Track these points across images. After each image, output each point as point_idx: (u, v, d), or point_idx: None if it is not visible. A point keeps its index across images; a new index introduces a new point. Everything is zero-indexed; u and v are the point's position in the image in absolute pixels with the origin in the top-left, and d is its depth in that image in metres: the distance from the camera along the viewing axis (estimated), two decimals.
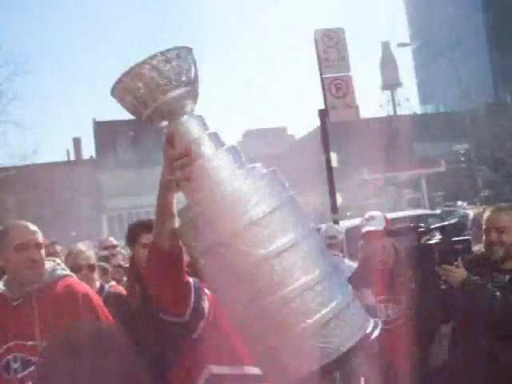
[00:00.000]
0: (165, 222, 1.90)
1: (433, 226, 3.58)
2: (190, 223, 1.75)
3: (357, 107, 7.30)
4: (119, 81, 1.81)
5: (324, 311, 1.66)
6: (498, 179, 43.80)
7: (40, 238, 3.01)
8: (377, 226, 4.23)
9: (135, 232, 3.80)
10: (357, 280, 4.07)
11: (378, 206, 28.25)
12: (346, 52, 7.35)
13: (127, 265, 4.75)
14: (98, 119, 48.42)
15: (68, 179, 38.10)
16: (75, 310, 2.91)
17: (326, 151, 7.13)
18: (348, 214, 21.59)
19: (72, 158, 44.35)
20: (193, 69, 1.89)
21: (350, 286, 1.84)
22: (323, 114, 7.19)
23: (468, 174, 42.43)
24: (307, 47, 7.76)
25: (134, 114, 1.89)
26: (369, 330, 1.73)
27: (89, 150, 48.97)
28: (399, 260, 4.12)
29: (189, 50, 1.88)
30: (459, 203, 36.39)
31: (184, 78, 1.85)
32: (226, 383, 2.26)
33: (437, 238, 3.38)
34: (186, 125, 1.85)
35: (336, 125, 8.26)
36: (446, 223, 3.65)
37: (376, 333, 1.74)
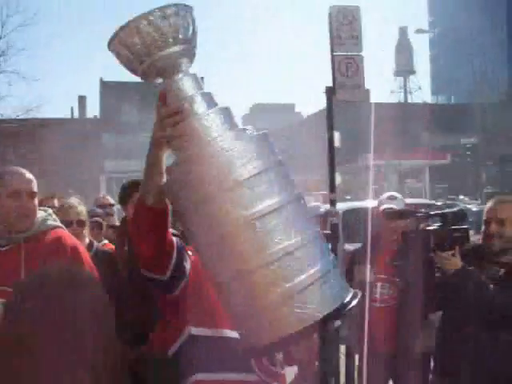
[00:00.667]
0: (153, 179, 1.91)
1: (433, 212, 3.55)
2: (177, 180, 1.78)
3: (365, 88, 7.10)
4: (116, 35, 1.81)
5: (302, 277, 1.68)
6: (503, 176, 43.64)
7: (34, 187, 2.97)
8: (398, 206, 4.28)
9: (128, 191, 3.85)
10: (359, 255, 4.22)
11: (379, 192, 28.15)
12: (359, 31, 7.17)
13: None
14: (105, 79, 48.10)
15: (70, 137, 38.02)
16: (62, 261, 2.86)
17: (330, 129, 6.95)
18: (348, 197, 21.45)
19: (76, 115, 44.09)
20: (191, 27, 1.87)
21: (331, 255, 1.85)
22: (330, 91, 7.00)
23: (473, 168, 42.32)
24: (321, 23, 7.50)
25: (130, 68, 1.89)
26: (347, 300, 1.75)
27: (93, 109, 48.55)
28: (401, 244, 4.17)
29: (188, 9, 1.86)
30: (461, 197, 36.30)
31: (181, 36, 1.84)
32: (204, 345, 2.23)
33: (436, 224, 3.34)
34: (179, 82, 1.86)
35: (344, 107, 8.09)
36: (447, 210, 3.57)
37: (354, 303, 1.75)
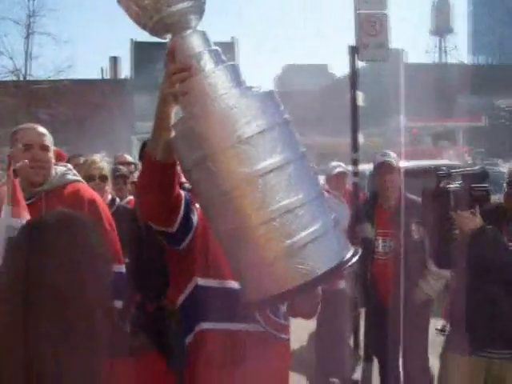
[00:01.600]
0: (161, 134, 1.95)
1: (454, 171, 3.54)
2: (183, 136, 1.80)
3: (389, 48, 7.00)
4: None
5: (303, 234, 1.72)
6: None
7: (47, 140, 3.06)
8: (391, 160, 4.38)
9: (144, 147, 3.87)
10: (361, 213, 4.36)
11: (412, 154, 27.82)
12: None
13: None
14: (137, 39, 47.98)
15: (102, 98, 38.20)
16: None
17: (353, 88, 6.91)
18: None
19: (107, 76, 44.25)
20: None
21: (333, 214, 1.88)
22: (354, 50, 6.93)
23: (510, 131, 41.43)
24: None
25: (139, 24, 1.90)
26: (347, 257, 1.79)
27: (125, 70, 48.53)
28: (403, 199, 4.28)
29: None
30: (498, 161, 35.70)
31: None
32: (210, 295, 2.30)
33: (456, 183, 3.33)
34: (188, 39, 1.87)
35: (375, 67, 8.01)
36: (468, 169, 3.55)
37: (354, 260, 1.80)
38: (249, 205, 1.72)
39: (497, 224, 3.22)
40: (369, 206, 4.40)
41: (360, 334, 6.26)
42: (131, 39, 47.69)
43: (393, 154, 4.45)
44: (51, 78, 26.16)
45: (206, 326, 2.31)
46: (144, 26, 1.91)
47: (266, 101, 1.80)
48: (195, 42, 1.87)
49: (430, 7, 66.08)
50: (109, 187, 4.21)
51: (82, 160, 5.64)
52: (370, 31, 6.80)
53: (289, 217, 1.72)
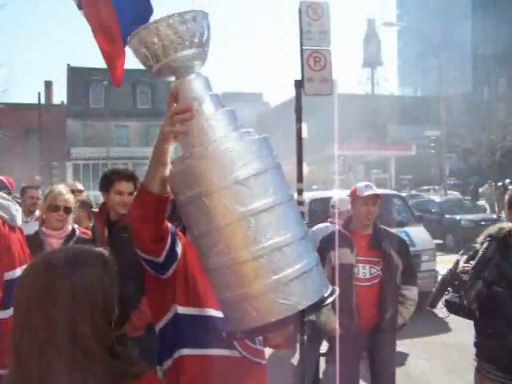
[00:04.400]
0: (158, 169, 2.04)
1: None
2: (182, 173, 1.91)
3: (332, 82, 7.28)
4: (137, 33, 1.97)
5: (289, 271, 1.83)
6: (466, 169, 44.49)
7: None
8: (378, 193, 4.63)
9: (110, 179, 4.08)
10: (334, 240, 4.41)
11: (345, 182, 28.46)
12: (328, 26, 7.30)
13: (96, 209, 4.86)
14: (72, 65, 47.38)
15: (36, 122, 37.40)
16: None
17: (298, 121, 7.13)
18: (314, 187, 21.73)
19: (43, 101, 43.43)
20: (206, 33, 2.03)
21: (316, 253, 2.00)
22: (299, 84, 7.16)
23: (437, 160, 42.97)
24: (291, 17, 7.66)
25: (146, 65, 2.03)
26: (326, 294, 1.93)
27: (60, 95, 47.67)
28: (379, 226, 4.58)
29: (205, 15, 2.03)
30: (425, 188, 36.96)
31: (196, 40, 1.99)
32: (190, 322, 2.41)
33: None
34: (191, 83, 2.01)
35: (311, 98, 8.27)
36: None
37: (331, 299, 1.93)
38: (240, 241, 1.83)
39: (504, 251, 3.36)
40: (343, 232, 4.52)
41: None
42: (67, 64, 47.10)
43: (373, 185, 4.70)
44: None
45: (185, 351, 2.41)
46: (150, 68, 2.04)
47: (261, 145, 1.94)
48: (198, 86, 2.01)
49: (362, 41, 68.42)
50: (71, 219, 4.26)
51: (48, 189, 5.67)
52: (315, 66, 7.08)
53: (277, 254, 1.83)
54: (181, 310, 2.42)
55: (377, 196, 4.54)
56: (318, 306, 1.90)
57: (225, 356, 2.40)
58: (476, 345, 3.51)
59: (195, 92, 2.00)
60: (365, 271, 4.39)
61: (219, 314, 2.28)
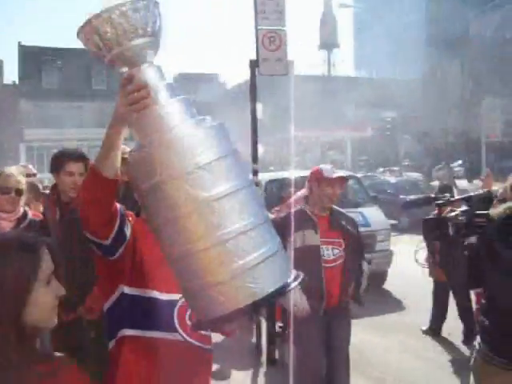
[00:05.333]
0: (109, 152, 2.01)
1: (457, 197, 3.71)
2: (141, 163, 1.88)
3: (288, 62, 7.28)
4: (88, 22, 1.90)
5: (255, 254, 1.82)
6: (421, 151, 45.28)
7: None
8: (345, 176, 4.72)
9: (61, 160, 4.01)
10: (301, 222, 4.43)
11: (301, 164, 28.62)
12: (283, 6, 7.30)
13: (46, 191, 4.78)
14: (23, 43, 46.12)
15: None
16: None
17: (253, 101, 7.12)
18: (271, 168, 21.81)
19: None
20: (158, 21, 2.01)
21: (278, 238, 1.99)
22: (254, 64, 7.14)
23: (392, 142, 43.63)
24: None
25: (97, 55, 1.98)
26: (291, 278, 1.92)
27: (12, 75, 46.50)
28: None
29: (156, 4, 2.01)
30: (381, 169, 37.45)
31: (149, 29, 1.96)
32: (135, 303, 2.40)
33: (461, 209, 3.35)
34: (145, 71, 1.97)
35: (268, 79, 8.26)
36: (471, 194, 3.57)
37: (295, 284, 1.91)
38: (204, 227, 1.81)
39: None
40: (307, 213, 4.53)
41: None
42: (18, 42, 45.84)
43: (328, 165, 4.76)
44: None
45: (126, 332, 2.42)
46: (102, 57, 1.98)
47: (219, 131, 1.93)
48: (152, 75, 1.97)
49: (318, 22, 68.53)
50: (22, 201, 4.16)
51: None
52: (270, 46, 7.06)
53: (242, 238, 1.82)
54: (127, 290, 2.41)
55: (344, 179, 4.60)
56: (283, 290, 1.88)
57: (166, 339, 2.40)
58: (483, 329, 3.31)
59: (149, 80, 1.95)
60: (328, 252, 4.44)
61: (163, 296, 2.35)
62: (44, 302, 1.58)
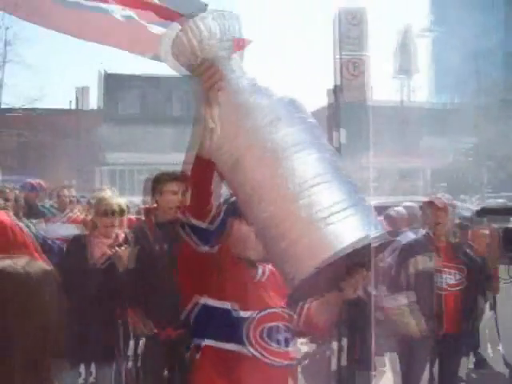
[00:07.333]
0: (205, 135, 2.13)
1: None
2: (226, 137, 2.04)
3: (369, 88, 7.23)
4: (193, 19, 2.12)
5: (331, 207, 1.86)
6: (504, 177, 43.64)
7: None
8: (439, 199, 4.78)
9: (162, 180, 4.25)
10: (419, 247, 4.56)
11: (378, 190, 28.24)
12: (367, 32, 7.30)
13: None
14: (107, 70, 47.98)
15: (72, 127, 37.98)
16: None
17: (336, 127, 7.11)
18: None
19: (78, 106, 44.13)
20: (237, 27, 2.25)
21: (358, 194, 2.02)
22: (336, 90, 7.13)
23: (474, 169, 42.37)
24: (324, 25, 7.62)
25: (187, 66, 2.20)
26: (372, 233, 1.89)
27: (95, 100, 48.43)
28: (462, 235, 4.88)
29: (234, 15, 2.23)
30: (462, 197, 36.33)
31: (228, 35, 2.18)
32: (212, 314, 2.45)
33: None
34: (219, 59, 2.16)
35: (346, 104, 8.26)
36: None
37: (375, 236, 1.90)
38: (293, 187, 1.88)
39: None
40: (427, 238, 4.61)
41: None
42: (103, 70, 47.73)
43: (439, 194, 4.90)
44: (24, 107, 26.03)
45: (203, 342, 2.48)
46: (188, 60, 2.19)
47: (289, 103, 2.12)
48: (227, 62, 2.17)
49: (396, 48, 67.80)
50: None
51: (66, 192, 5.84)
52: (354, 72, 7.02)
53: (315, 191, 1.88)
54: (202, 300, 2.48)
55: (439, 202, 4.63)
56: (364, 241, 1.85)
57: (238, 353, 2.42)
58: None
59: (224, 66, 2.14)
60: (449, 277, 4.44)
61: (237, 313, 2.43)
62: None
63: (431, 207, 4.53)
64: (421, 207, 5.26)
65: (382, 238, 1.95)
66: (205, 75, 2.10)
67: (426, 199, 4.77)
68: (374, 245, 1.91)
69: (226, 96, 2.09)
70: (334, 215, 1.83)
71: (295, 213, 1.85)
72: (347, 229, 1.83)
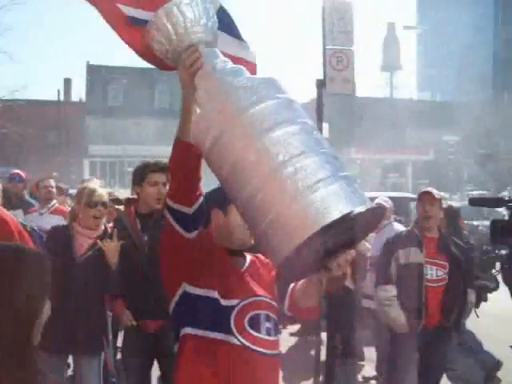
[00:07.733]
0: (188, 116, 2.16)
1: None
2: (206, 118, 2.09)
3: (354, 83, 7.23)
4: (170, 7, 2.15)
5: (314, 182, 1.82)
6: (484, 175, 44.06)
7: None
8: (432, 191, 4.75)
9: (145, 171, 4.18)
10: (406, 240, 4.57)
11: (362, 186, 28.24)
12: (352, 27, 7.28)
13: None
14: (91, 62, 47.65)
15: (55, 119, 37.73)
16: None
17: (319, 120, 7.08)
18: None
19: (62, 98, 43.75)
20: (211, 15, 2.29)
21: (344, 171, 1.96)
22: (320, 83, 7.12)
23: (455, 166, 42.69)
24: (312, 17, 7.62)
25: (165, 42, 2.22)
26: (357, 208, 1.84)
27: (79, 92, 48.06)
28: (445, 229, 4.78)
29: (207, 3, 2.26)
30: (441, 193, 36.48)
31: (203, 21, 2.22)
32: (196, 303, 2.41)
33: None
34: (200, 48, 2.19)
35: (330, 98, 8.23)
36: None
37: (359, 210, 1.84)
38: (262, 157, 1.90)
39: None
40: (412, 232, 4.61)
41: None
42: (87, 61, 47.39)
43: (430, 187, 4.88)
44: (5, 98, 25.72)
45: (188, 330, 2.43)
46: (165, 50, 2.25)
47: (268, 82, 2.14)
48: (206, 50, 2.20)
49: (381, 44, 68.05)
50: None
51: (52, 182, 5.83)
52: (338, 66, 7.02)
53: (299, 167, 1.85)
54: (189, 288, 2.44)
55: (431, 194, 4.63)
56: (348, 216, 1.81)
57: (224, 342, 2.38)
58: None
59: (205, 54, 2.17)
60: (432, 272, 4.47)
61: (222, 301, 2.38)
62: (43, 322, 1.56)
63: (426, 198, 4.56)
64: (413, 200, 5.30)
65: (378, 210, 1.97)
66: (188, 60, 2.12)
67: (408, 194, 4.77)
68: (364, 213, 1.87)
69: (210, 80, 2.10)
70: (320, 184, 1.81)
71: (280, 183, 1.83)
72: (333, 205, 1.79)
